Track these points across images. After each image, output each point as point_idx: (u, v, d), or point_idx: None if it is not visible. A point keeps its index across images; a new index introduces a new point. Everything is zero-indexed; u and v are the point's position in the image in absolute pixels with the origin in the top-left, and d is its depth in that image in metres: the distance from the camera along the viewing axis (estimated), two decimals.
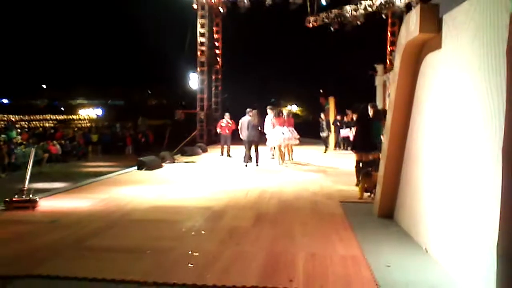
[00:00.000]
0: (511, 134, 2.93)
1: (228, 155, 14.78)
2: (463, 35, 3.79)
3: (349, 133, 16.34)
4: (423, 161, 4.91)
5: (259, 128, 12.36)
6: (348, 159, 9.80)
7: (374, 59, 20.30)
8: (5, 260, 4.32)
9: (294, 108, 41.17)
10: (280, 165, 12.03)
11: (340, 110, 18.79)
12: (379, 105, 15.23)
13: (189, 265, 4.25)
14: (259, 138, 12.28)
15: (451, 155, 4.08)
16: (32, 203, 6.62)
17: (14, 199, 6.62)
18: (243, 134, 12.29)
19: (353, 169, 8.87)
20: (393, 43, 20.69)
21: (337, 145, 17.95)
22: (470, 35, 3.64)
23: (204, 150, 16.86)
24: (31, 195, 6.74)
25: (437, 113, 4.50)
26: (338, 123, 18.11)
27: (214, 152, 16.56)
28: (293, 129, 12.91)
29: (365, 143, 8.14)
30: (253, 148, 12.07)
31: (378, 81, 18.98)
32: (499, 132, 3.10)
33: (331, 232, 5.45)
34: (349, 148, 14.76)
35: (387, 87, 16.99)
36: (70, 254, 4.55)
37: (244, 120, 12.37)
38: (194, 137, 19.86)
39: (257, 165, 11.87)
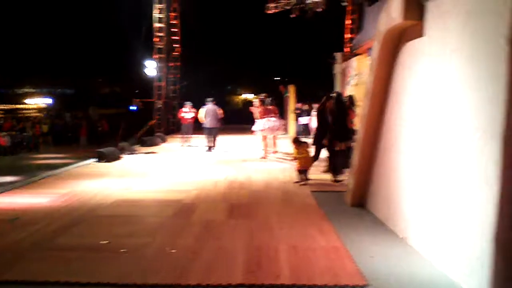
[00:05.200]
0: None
1: (190, 145, 14.49)
2: (450, 22, 3.73)
3: (308, 120, 16.76)
4: (401, 150, 4.87)
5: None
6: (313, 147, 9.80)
7: (334, 47, 20.43)
8: None
9: (250, 96, 40.79)
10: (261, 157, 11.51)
11: (300, 99, 19.04)
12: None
13: (168, 263, 4.03)
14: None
15: (434, 144, 4.05)
16: None
17: None
18: (207, 123, 12.88)
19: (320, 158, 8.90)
20: (352, 31, 20.91)
21: (297, 133, 18.11)
22: (459, 22, 3.58)
23: (164, 140, 16.44)
24: None
25: (419, 102, 4.46)
26: (298, 111, 18.38)
27: (173, 142, 16.17)
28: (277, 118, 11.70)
29: (344, 132, 7.94)
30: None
31: (337, 69, 19.12)
32: (491, 120, 3.09)
33: (308, 223, 5.38)
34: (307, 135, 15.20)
35: (346, 75, 17.19)
36: (37, 256, 4.19)
37: (209, 109, 12.91)
38: (152, 126, 19.29)
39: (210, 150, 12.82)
